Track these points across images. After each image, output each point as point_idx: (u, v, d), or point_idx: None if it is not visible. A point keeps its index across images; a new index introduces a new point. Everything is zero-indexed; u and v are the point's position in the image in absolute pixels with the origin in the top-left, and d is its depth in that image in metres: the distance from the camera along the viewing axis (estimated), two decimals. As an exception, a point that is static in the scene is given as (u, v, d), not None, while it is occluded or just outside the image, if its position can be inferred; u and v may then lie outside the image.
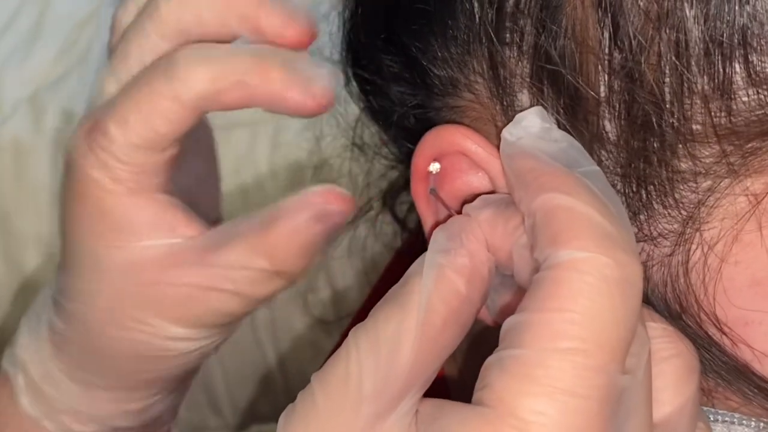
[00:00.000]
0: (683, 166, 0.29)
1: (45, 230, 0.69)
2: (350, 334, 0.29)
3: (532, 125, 0.30)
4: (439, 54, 0.32)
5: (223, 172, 0.65)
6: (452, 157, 0.32)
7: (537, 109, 0.31)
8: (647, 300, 0.32)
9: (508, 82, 0.31)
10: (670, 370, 0.29)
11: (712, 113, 0.28)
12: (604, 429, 0.26)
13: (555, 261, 0.27)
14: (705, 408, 0.33)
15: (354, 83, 0.38)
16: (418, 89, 0.34)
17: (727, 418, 0.33)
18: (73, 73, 0.70)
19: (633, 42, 0.28)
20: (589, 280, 0.26)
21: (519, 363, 0.26)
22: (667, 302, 0.31)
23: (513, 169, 0.30)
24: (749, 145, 0.28)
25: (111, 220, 0.34)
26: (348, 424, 0.27)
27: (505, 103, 0.31)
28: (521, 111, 0.31)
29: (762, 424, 0.33)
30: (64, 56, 0.71)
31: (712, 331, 0.31)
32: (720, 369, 0.32)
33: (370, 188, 0.45)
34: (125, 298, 0.35)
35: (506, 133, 0.31)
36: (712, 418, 0.33)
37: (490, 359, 0.27)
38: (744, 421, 0.33)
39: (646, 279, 0.31)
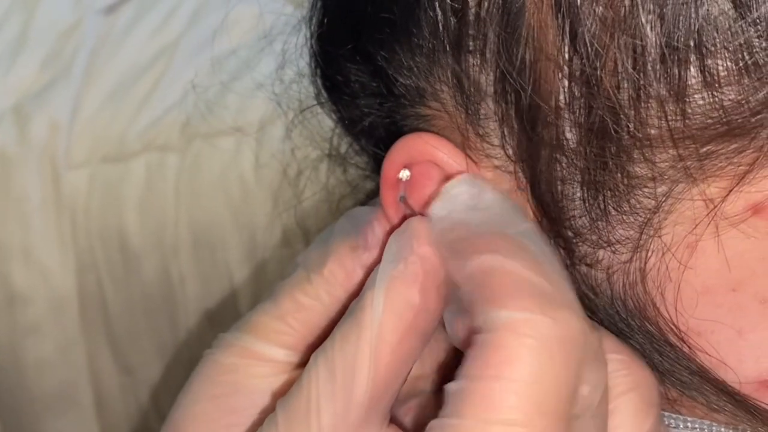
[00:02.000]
0: (639, 171, 0.30)
1: (31, 241, 0.69)
2: (311, 358, 0.29)
3: (461, 193, 0.31)
4: (405, 63, 0.32)
5: (208, 179, 0.66)
6: (422, 165, 0.32)
7: (464, 177, 0.31)
8: (611, 307, 0.32)
9: (472, 90, 0.31)
10: (627, 406, 0.30)
11: (668, 117, 0.28)
12: None
13: (493, 324, 0.27)
14: (675, 416, 0.34)
15: (324, 94, 0.38)
16: (385, 99, 0.34)
17: (696, 425, 0.34)
18: (58, 83, 0.71)
19: (590, 49, 0.28)
20: (528, 342, 0.27)
21: None
22: (629, 309, 0.32)
23: (445, 243, 0.30)
24: (704, 149, 0.28)
25: None
26: None
27: (469, 111, 0.31)
28: (484, 122, 0.31)
29: (732, 430, 0.33)
30: (49, 66, 0.71)
31: (672, 338, 0.31)
32: (682, 375, 0.32)
33: (347, 199, 0.46)
34: None
35: (435, 208, 0.31)
36: (681, 426, 0.34)
37: (433, 423, 0.28)
38: (714, 428, 0.33)
39: (609, 287, 0.32)
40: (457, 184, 0.31)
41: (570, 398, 0.27)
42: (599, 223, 0.31)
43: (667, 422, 0.34)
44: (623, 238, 0.31)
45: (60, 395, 0.68)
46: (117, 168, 0.67)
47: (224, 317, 0.65)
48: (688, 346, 0.31)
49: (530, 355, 0.27)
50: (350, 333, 0.29)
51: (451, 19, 0.31)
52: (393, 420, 0.31)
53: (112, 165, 0.67)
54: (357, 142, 0.39)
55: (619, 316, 0.32)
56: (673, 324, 0.31)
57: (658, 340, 0.32)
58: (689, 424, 0.34)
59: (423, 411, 0.33)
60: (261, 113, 0.62)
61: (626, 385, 0.30)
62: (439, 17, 0.31)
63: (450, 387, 0.28)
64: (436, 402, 0.29)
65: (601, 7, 0.28)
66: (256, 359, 0.32)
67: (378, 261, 0.32)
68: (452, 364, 0.33)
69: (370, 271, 0.33)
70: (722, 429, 0.33)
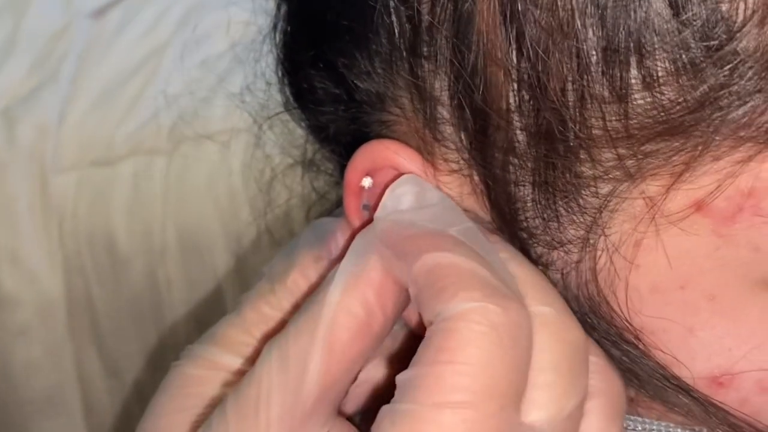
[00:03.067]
0: (585, 171, 0.30)
1: (19, 245, 0.70)
2: (265, 348, 0.30)
3: (405, 193, 0.32)
4: (364, 69, 0.33)
5: (195, 183, 0.67)
6: (384, 171, 0.33)
7: (407, 178, 0.32)
8: (569, 306, 0.33)
9: (428, 95, 0.32)
10: (597, 411, 0.31)
11: (610, 117, 0.29)
12: None
13: (445, 315, 0.28)
14: (633, 418, 0.34)
15: (292, 101, 0.39)
16: (348, 105, 0.35)
17: (654, 427, 0.34)
18: (47, 86, 0.71)
19: (534, 54, 0.29)
20: (478, 328, 0.27)
21: (411, 419, 0.27)
22: (584, 308, 0.32)
23: (389, 245, 0.31)
24: (643, 147, 0.29)
25: None
26: None
27: (426, 116, 0.32)
28: (441, 126, 0.32)
29: (689, 430, 0.34)
30: (37, 70, 0.72)
31: (627, 336, 0.32)
32: (639, 372, 0.33)
33: (317, 206, 0.46)
34: None
35: (379, 214, 0.32)
36: (640, 428, 0.34)
37: (384, 409, 0.28)
38: (671, 429, 0.34)
39: (565, 287, 0.33)
40: (401, 184, 0.32)
41: (519, 382, 0.28)
42: (551, 224, 0.32)
43: (624, 424, 0.34)
44: (574, 239, 0.32)
45: (48, 398, 0.69)
46: (105, 172, 0.67)
47: (211, 320, 0.65)
48: (643, 344, 0.32)
49: (480, 340, 0.27)
50: (305, 326, 0.29)
51: (406, 25, 0.31)
52: (342, 413, 0.32)
53: (100, 169, 0.68)
54: (325, 149, 0.40)
55: (577, 314, 0.32)
56: (627, 322, 0.32)
57: (614, 338, 0.32)
58: (647, 426, 0.34)
59: (375, 401, 0.34)
60: (245, 119, 0.62)
61: (599, 390, 0.31)
62: (395, 24, 0.32)
63: (401, 376, 0.28)
64: (388, 392, 0.29)
65: (544, 14, 0.28)
66: (223, 371, 0.33)
67: None
68: (403, 356, 0.34)
69: None
70: (678, 430, 0.34)
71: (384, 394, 0.34)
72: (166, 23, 0.70)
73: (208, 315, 0.66)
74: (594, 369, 0.31)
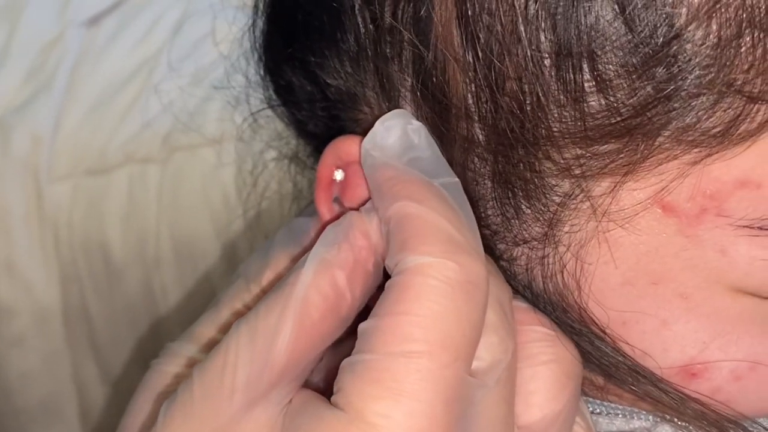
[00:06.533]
0: (544, 169, 0.32)
1: (14, 254, 0.71)
2: (233, 325, 0.31)
3: (394, 127, 0.33)
4: (334, 68, 0.35)
5: (189, 191, 0.68)
6: (353, 166, 0.35)
7: (398, 112, 0.33)
8: (534, 299, 0.34)
9: (393, 94, 0.34)
10: (546, 375, 0.32)
11: (566, 119, 0.30)
12: (448, 429, 0.29)
13: (403, 266, 0.30)
14: (605, 404, 0.36)
15: (274, 98, 0.40)
16: (323, 103, 0.37)
17: (626, 413, 0.36)
18: (40, 96, 0.73)
19: (488, 57, 0.30)
20: (433, 283, 0.29)
21: (367, 367, 0.29)
22: (552, 303, 0.34)
23: (372, 180, 0.33)
24: (596, 147, 0.31)
25: None
26: (219, 412, 0.30)
27: None
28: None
29: (659, 418, 0.35)
30: (31, 80, 0.73)
31: (594, 328, 0.33)
32: (606, 361, 0.34)
33: (298, 201, 0.48)
34: None
35: (366, 143, 0.33)
36: (612, 412, 0.36)
37: (344, 362, 0.30)
38: (642, 415, 0.35)
39: (529, 282, 0.34)
40: (391, 117, 0.33)
41: (472, 337, 0.30)
42: (513, 221, 0.33)
43: (598, 410, 0.36)
44: (539, 235, 0.33)
45: (45, 407, 0.70)
46: (99, 180, 0.68)
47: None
48: (610, 337, 0.33)
49: (435, 294, 0.29)
50: (275, 304, 0.31)
51: (370, 26, 0.33)
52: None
53: (95, 177, 0.69)
54: (308, 143, 0.41)
55: (543, 308, 0.34)
56: (594, 315, 0.33)
57: (580, 330, 0.34)
58: (619, 412, 0.35)
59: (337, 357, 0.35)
60: (238, 124, 0.63)
61: (547, 356, 0.32)
62: (360, 25, 0.33)
63: (361, 326, 0.30)
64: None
65: (496, 20, 0.30)
66: None
67: None
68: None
69: None
70: (650, 417, 0.35)
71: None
72: (160, 31, 0.71)
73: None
74: (545, 338, 0.32)
